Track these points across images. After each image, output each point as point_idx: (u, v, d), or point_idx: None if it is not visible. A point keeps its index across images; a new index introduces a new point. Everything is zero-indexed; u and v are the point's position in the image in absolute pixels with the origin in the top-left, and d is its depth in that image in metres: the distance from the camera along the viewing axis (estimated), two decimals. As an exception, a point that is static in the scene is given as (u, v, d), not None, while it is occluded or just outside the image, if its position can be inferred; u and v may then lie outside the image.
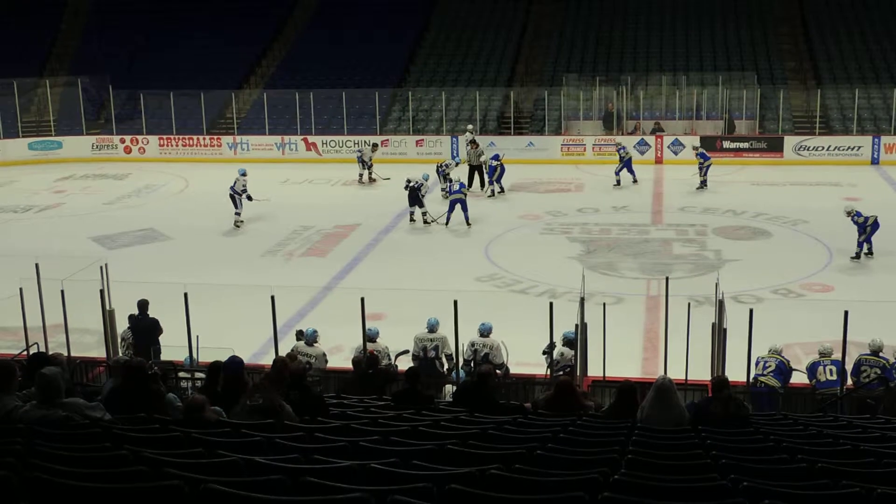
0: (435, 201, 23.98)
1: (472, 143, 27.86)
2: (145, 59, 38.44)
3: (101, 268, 13.09)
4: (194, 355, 12.64)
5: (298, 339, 13.02)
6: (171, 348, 12.98)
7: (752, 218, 23.33)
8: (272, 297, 12.11)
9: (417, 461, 5.55)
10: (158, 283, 15.44)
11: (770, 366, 12.05)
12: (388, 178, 27.84)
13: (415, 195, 23.28)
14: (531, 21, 39.49)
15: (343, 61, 37.19)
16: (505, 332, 12.99)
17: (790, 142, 31.25)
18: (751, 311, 11.29)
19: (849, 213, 19.77)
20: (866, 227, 19.45)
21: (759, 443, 6.96)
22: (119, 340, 13.51)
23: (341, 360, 13.38)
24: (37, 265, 12.86)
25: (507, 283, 18.40)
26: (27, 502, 4.61)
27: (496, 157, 26.88)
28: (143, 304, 13.47)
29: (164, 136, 34.70)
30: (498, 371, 12.11)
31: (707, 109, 33.11)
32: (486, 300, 16.59)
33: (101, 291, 13.04)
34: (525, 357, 12.96)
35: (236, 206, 23.31)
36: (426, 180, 23.74)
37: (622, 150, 28.24)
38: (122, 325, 13.53)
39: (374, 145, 29.87)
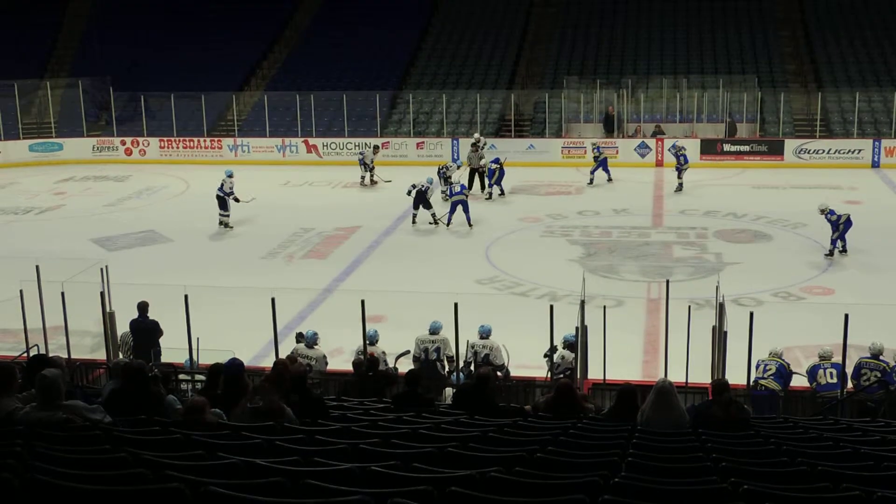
0: (436, 203, 23.97)
1: (474, 145, 27.93)
2: (146, 60, 38.43)
3: (102, 270, 13.10)
4: (194, 357, 12.64)
5: (299, 342, 13.02)
6: (172, 350, 12.97)
7: (753, 221, 23.32)
8: (272, 300, 12.11)
9: (418, 464, 5.55)
10: (159, 285, 15.44)
11: (770, 369, 12.04)
12: (390, 181, 27.82)
13: (422, 197, 23.31)
14: (532, 24, 39.52)
15: (344, 63, 37.22)
16: (505, 334, 12.99)
17: (791, 145, 31.26)
18: (751, 314, 11.29)
19: (822, 211, 20.07)
20: (839, 225, 19.78)
21: (759, 446, 6.96)
22: (119, 344, 13.50)
23: (342, 362, 13.38)
24: (37, 267, 12.86)
25: (507, 286, 18.40)
26: (27, 504, 4.61)
27: (496, 161, 26.93)
28: (143, 307, 13.47)
29: (165, 138, 34.72)
30: (498, 373, 12.11)
31: (708, 112, 33.12)
32: (487, 303, 16.59)
33: (102, 293, 13.04)
34: (525, 360, 12.95)
35: (223, 208, 23.29)
36: (430, 183, 23.76)
37: (597, 150, 28.80)
38: (122, 328, 13.52)
39: (376, 147, 29.90)
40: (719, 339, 11.76)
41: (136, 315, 13.47)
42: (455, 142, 32.61)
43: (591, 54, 37.32)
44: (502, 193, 26.82)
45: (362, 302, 11.87)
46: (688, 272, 19.20)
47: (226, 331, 14.00)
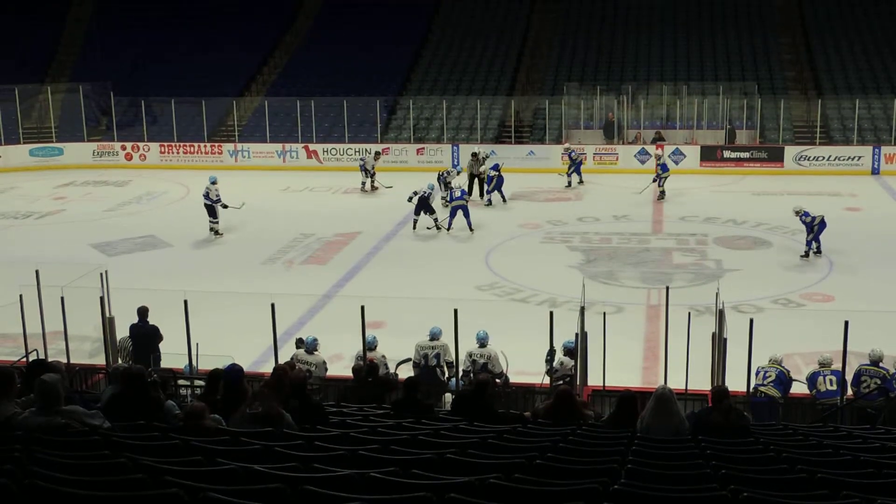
0: (437, 209, 23.97)
1: (474, 154, 28.01)
2: (147, 66, 38.52)
3: (102, 275, 13.08)
4: (194, 363, 12.63)
5: (298, 347, 13.00)
6: (171, 356, 12.96)
7: (753, 228, 23.33)
8: (272, 305, 12.10)
9: (417, 470, 5.54)
10: (158, 291, 15.42)
11: (770, 376, 12.03)
12: (391, 187, 27.79)
13: (424, 203, 23.31)
14: (532, 30, 39.58)
15: (344, 69, 37.25)
16: (505, 340, 12.97)
17: (791, 152, 31.29)
18: (751, 320, 11.28)
19: (797, 213, 20.49)
20: (813, 227, 20.17)
21: (759, 453, 6.95)
22: (119, 350, 13.48)
23: (341, 368, 13.37)
24: (37, 272, 12.85)
25: (507, 292, 18.39)
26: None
27: (495, 167, 26.96)
28: (143, 312, 13.46)
29: (165, 143, 34.76)
30: (497, 380, 12.10)
31: (708, 119, 33.16)
32: (487, 309, 16.58)
33: (101, 298, 13.03)
34: (525, 366, 12.93)
35: (212, 216, 23.19)
36: (431, 189, 23.77)
37: (573, 154, 29.16)
38: (121, 333, 13.50)
39: (377, 153, 29.88)
40: (719, 345, 11.75)
41: (135, 320, 13.46)
42: (455, 148, 32.63)
43: (591, 61, 37.38)
44: (504, 200, 26.82)
45: (362, 308, 11.86)
46: (688, 279, 19.20)
47: (225, 336, 13.99)
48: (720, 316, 11.86)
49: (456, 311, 11.69)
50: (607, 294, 17.57)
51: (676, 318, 12.27)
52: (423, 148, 33.14)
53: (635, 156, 31.72)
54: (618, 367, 12.83)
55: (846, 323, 10.97)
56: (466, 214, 23.24)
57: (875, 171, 30.58)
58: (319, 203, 27.96)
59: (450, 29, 40.17)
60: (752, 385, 11.89)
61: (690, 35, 37.87)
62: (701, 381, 11.87)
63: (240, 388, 8.12)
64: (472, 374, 12.40)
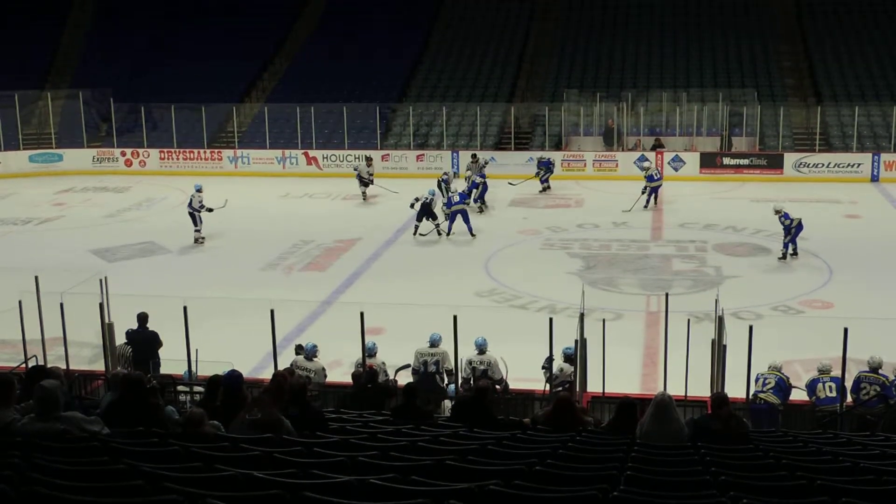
0: (438, 214, 24.02)
1: (473, 156, 28.01)
2: (147, 72, 38.53)
3: (101, 281, 13.08)
4: (193, 369, 12.62)
5: (298, 354, 13.00)
6: (171, 362, 12.96)
7: (752, 234, 23.33)
8: (272, 312, 12.11)
9: (416, 476, 5.54)
10: (158, 297, 15.42)
11: (770, 382, 12.02)
12: (397, 192, 27.62)
13: (427, 209, 23.31)
14: (532, 37, 39.62)
15: (344, 76, 37.29)
16: (504, 347, 12.97)
17: (790, 159, 31.31)
18: (750, 327, 11.28)
19: (777, 213, 20.74)
20: (791, 229, 20.43)
21: (758, 460, 6.94)
22: (118, 356, 13.47)
23: (340, 374, 13.37)
24: (36, 278, 12.85)
25: (506, 299, 18.39)
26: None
27: (482, 175, 27.05)
28: (142, 317, 13.46)
29: (165, 150, 34.78)
30: (497, 386, 12.09)
31: (707, 126, 33.19)
32: (486, 315, 16.56)
33: (101, 304, 13.02)
34: (524, 372, 12.93)
35: (196, 223, 23.13)
36: (433, 195, 23.76)
37: (545, 161, 29.43)
38: (120, 339, 13.50)
39: (368, 159, 29.46)
40: (718, 352, 11.74)
41: (135, 326, 13.46)
42: (455, 154, 32.65)
43: (590, 68, 37.41)
44: (483, 209, 26.69)
45: (361, 314, 11.86)
46: (687, 285, 19.20)
47: (225, 342, 13.97)
48: (719, 322, 11.86)
49: (455, 317, 11.69)
50: (607, 301, 17.57)
51: (676, 325, 12.27)
52: (423, 154, 33.15)
53: (635, 162, 31.70)
54: (617, 373, 12.81)
55: (845, 330, 10.98)
56: (466, 219, 23.27)
57: (874, 179, 30.59)
58: (319, 209, 27.97)
59: (450, 35, 40.20)
60: (752, 392, 11.88)
61: (690, 42, 37.91)
62: (700, 388, 11.86)
63: (239, 395, 8.13)
64: (471, 381, 12.40)
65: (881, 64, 35.51)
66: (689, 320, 12.05)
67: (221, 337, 14.42)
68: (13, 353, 13.73)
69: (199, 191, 23.39)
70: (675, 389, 11.22)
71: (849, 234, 23.40)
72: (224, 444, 6.54)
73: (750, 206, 26.98)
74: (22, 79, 36.75)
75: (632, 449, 6.96)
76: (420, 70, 38.39)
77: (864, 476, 6.21)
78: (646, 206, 26.45)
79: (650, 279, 19.71)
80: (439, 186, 25.80)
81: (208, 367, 11.33)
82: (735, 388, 11.13)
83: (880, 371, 12.08)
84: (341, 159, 33.31)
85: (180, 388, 12.29)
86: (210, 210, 23.20)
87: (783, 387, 12.09)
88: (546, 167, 29.51)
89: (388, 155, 33.26)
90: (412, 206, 23.64)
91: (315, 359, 12.81)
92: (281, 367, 11.94)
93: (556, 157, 32.37)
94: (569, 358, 12.37)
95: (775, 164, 31.40)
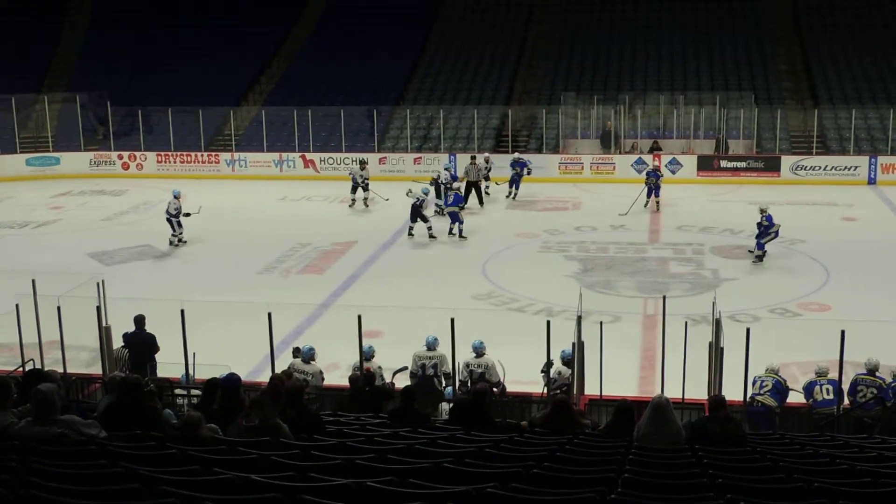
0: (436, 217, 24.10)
1: (473, 158, 28.02)
2: (144, 75, 38.53)
3: (98, 284, 13.07)
4: (191, 372, 12.61)
5: (295, 357, 13.00)
6: (168, 365, 12.95)
7: (749, 237, 23.28)
8: (269, 315, 12.10)
9: (414, 479, 5.54)
10: (155, 300, 15.42)
11: (767, 385, 12.04)
12: (388, 199, 27.57)
13: (416, 211, 23.30)
14: (529, 40, 39.65)
15: (341, 78, 37.31)
16: (502, 350, 12.97)
17: (787, 161, 31.35)
18: (748, 330, 11.29)
19: (762, 211, 20.80)
20: (769, 232, 20.57)
21: (755, 462, 6.95)
22: (115, 359, 13.45)
23: (338, 377, 13.35)
24: (33, 281, 12.83)
25: (504, 302, 18.39)
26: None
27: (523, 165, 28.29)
28: (139, 320, 13.46)
29: (162, 153, 34.78)
30: (495, 389, 12.09)
31: (705, 129, 33.22)
32: (484, 318, 16.57)
33: (98, 308, 13.01)
34: (522, 375, 12.93)
35: (173, 229, 22.92)
36: (426, 195, 23.76)
37: (525, 164, 29.18)
38: (118, 342, 13.49)
39: (362, 162, 28.81)
40: (716, 355, 11.75)
41: (132, 329, 13.45)
42: (452, 157, 32.64)
43: (588, 70, 37.45)
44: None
45: (359, 317, 11.86)
46: (684, 288, 19.22)
47: (222, 345, 13.95)
48: (717, 325, 11.87)
49: (453, 320, 11.69)
50: (604, 303, 17.56)
51: (673, 328, 12.29)
52: (421, 157, 33.16)
53: (632, 165, 31.76)
54: (615, 376, 12.82)
55: (842, 332, 10.98)
56: (459, 221, 23.35)
57: (871, 181, 30.63)
58: (316, 212, 27.96)
59: (447, 38, 40.22)
60: (749, 394, 11.89)
61: (687, 45, 37.95)
62: (698, 391, 11.88)
63: (237, 398, 8.13)
64: (469, 384, 12.40)
65: (878, 67, 35.56)
66: (686, 323, 12.06)
67: (219, 340, 14.40)
68: (10, 357, 13.70)
69: (176, 197, 23.13)
70: (673, 392, 11.24)
71: (846, 237, 23.43)
72: (221, 447, 6.53)
73: (747, 209, 26.88)
74: (19, 82, 36.76)
75: (629, 451, 6.96)
76: (418, 73, 38.41)
77: (862, 478, 6.21)
78: (646, 205, 26.52)
79: (647, 282, 19.73)
80: (435, 186, 25.74)
81: (206, 371, 11.31)
82: (732, 391, 11.12)
83: (877, 373, 12.10)
84: (339, 162, 33.30)
85: (178, 391, 12.28)
86: (187, 215, 23.01)
87: (780, 389, 12.11)
88: (520, 168, 28.89)
89: (385, 158, 33.27)
90: (407, 194, 23.64)
91: (312, 362, 12.81)
92: (278, 370, 11.91)
93: (552, 160, 32.44)
94: (567, 361, 12.36)
95: (772, 166, 31.44)
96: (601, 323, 12.52)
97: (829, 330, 11.92)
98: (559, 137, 33.70)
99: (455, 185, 25.63)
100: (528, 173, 29.01)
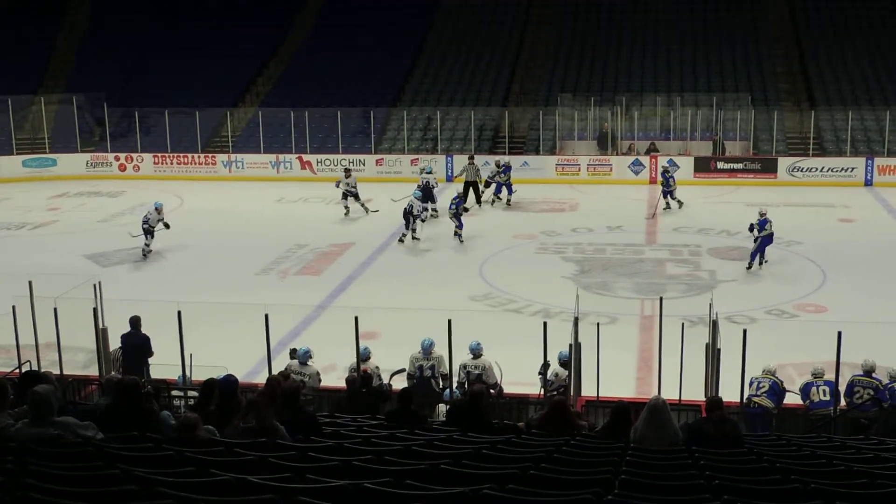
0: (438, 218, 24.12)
1: (471, 158, 28.02)
2: (141, 76, 38.53)
3: (95, 286, 13.05)
4: (187, 374, 12.60)
5: (292, 358, 12.98)
6: (165, 366, 12.93)
7: (746, 238, 23.28)
8: (266, 316, 12.09)
9: (411, 481, 5.54)
10: (152, 301, 15.40)
11: (764, 386, 12.05)
12: (377, 211, 26.87)
13: (406, 216, 23.20)
14: (527, 41, 39.68)
15: (339, 80, 37.31)
16: (499, 351, 12.97)
17: (784, 163, 31.40)
18: (744, 331, 11.28)
19: (761, 214, 20.64)
20: (760, 233, 20.36)
21: (752, 463, 6.95)
22: (112, 361, 13.44)
23: (335, 379, 13.34)
24: (30, 283, 12.81)
25: (501, 303, 18.39)
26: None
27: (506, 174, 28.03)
28: (135, 321, 13.43)
29: (159, 154, 34.76)
30: (492, 391, 12.08)
31: (701, 130, 33.25)
32: (481, 320, 16.56)
33: (95, 309, 13.00)
34: (519, 376, 12.92)
35: (147, 237, 22.27)
36: (417, 198, 23.47)
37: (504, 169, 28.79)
38: (115, 344, 13.48)
39: (346, 170, 28.00)
40: (713, 356, 11.76)
41: (128, 330, 13.44)
42: (449, 158, 32.66)
43: (585, 72, 37.48)
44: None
45: (356, 318, 11.84)
46: (681, 289, 19.23)
47: (219, 347, 13.95)
48: (714, 326, 11.88)
49: (450, 321, 11.68)
50: (601, 305, 17.57)
51: (670, 329, 12.30)
52: (418, 158, 33.14)
53: (629, 166, 31.79)
54: (611, 377, 12.80)
55: (839, 334, 10.99)
56: (459, 223, 23.36)
57: (868, 183, 30.68)
58: (313, 214, 27.95)
59: (445, 40, 40.23)
60: (746, 395, 11.90)
61: (684, 46, 37.98)
62: (694, 392, 11.88)
63: (234, 400, 8.12)
64: (466, 386, 12.40)
65: (875, 68, 35.62)
66: (683, 324, 12.06)
67: (216, 341, 14.40)
68: (7, 358, 13.69)
69: (157, 209, 22.63)
70: (670, 393, 11.23)
71: (842, 238, 23.46)
72: (218, 448, 6.53)
73: (744, 211, 26.94)
74: (16, 84, 36.73)
75: (626, 453, 6.96)
76: (415, 74, 38.43)
77: (858, 479, 6.22)
78: (667, 207, 26.72)
79: (644, 283, 19.74)
80: (425, 191, 25.40)
81: (203, 372, 11.31)
82: (729, 392, 11.14)
83: (874, 374, 12.12)
84: (335, 164, 33.28)
85: (175, 392, 12.26)
86: (167, 226, 22.53)
87: (777, 390, 12.12)
88: (505, 173, 28.48)
89: (382, 159, 33.28)
90: (421, 185, 23.77)
91: (309, 363, 12.80)
92: (275, 371, 11.91)
93: (549, 161, 32.46)
94: (564, 362, 12.36)
95: (769, 168, 31.48)
96: (598, 324, 12.51)
97: (825, 331, 11.93)
98: (556, 139, 33.74)
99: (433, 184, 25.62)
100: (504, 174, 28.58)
